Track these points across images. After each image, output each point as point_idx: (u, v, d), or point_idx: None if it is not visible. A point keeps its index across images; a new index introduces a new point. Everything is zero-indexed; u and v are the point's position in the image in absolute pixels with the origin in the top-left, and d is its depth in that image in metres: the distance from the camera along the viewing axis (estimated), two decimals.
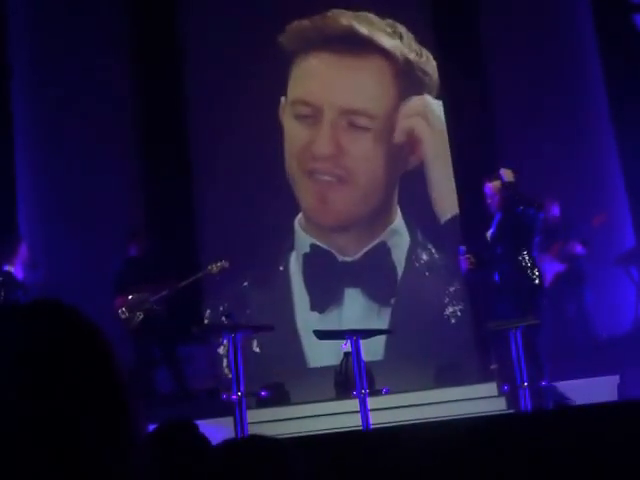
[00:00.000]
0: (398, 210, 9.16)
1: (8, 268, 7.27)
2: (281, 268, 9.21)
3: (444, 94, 9.28)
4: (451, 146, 9.13)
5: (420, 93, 9.25)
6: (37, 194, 9.14)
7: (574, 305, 8.12)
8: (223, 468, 1.58)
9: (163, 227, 9.06)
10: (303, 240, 9.27)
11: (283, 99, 9.42)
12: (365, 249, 9.12)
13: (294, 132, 9.31)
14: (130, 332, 7.79)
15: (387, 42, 9.26)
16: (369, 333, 6.91)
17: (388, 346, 8.65)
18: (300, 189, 9.26)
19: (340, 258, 9.16)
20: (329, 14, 9.41)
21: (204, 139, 9.47)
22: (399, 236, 9.13)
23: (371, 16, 9.39)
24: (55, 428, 0.92)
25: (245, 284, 9.13)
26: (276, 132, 9.37)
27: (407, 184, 9.16)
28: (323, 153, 9.10)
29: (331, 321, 8.71)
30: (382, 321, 8.62)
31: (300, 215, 9.33)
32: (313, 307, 9.04)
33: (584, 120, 9.20)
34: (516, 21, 9.32)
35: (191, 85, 9.62)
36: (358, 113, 9.15)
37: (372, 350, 7.63)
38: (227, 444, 1.67)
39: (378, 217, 9.20)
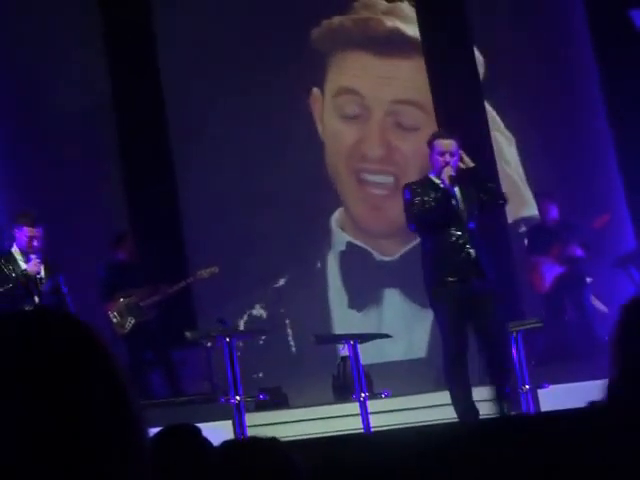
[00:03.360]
0: None
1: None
2: (318, 265, 9.08)
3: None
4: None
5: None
6: (15, 197, 8.74)
7: (574, 308, 8.10)
8: (223, 469, 1.57)
9: (149, 232, 8.66)
10: (340, 239, 9.15)
11: (316, 90, 9.24)
12: (405, 249, 8.94)
13: (339, 132, 9.17)
14: (122, 337, 7.68)
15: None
16: (367, 337, 6.90)
17: (387, 348, 8.62)
18: (346, 191, 9.15)
19: (378, 257, 9.10)
20: (370, 16, 9.22)
21: (187, 138, 9.04)
22: None
23: (401, 5, 9.28)
24: (57, 440, 0.91)
25: (280, 283, 8.99)
26: (276, 130, 9.08)
27: None
28: (373, 154, 9.01)
29: (371, 321, 8.69)
30: (422, 323, 8.51)
31: (336, 213, 9.18)
32: (351, 305, 8.95)
33: (581, 120, 9.19)
34: (511, 19, 9.32)
35: (175, 81, 9.08)
36: (407, 103, 9.09)
37: (371, 353, 7.58)
38: (227, 445, 1.65)
39: None
